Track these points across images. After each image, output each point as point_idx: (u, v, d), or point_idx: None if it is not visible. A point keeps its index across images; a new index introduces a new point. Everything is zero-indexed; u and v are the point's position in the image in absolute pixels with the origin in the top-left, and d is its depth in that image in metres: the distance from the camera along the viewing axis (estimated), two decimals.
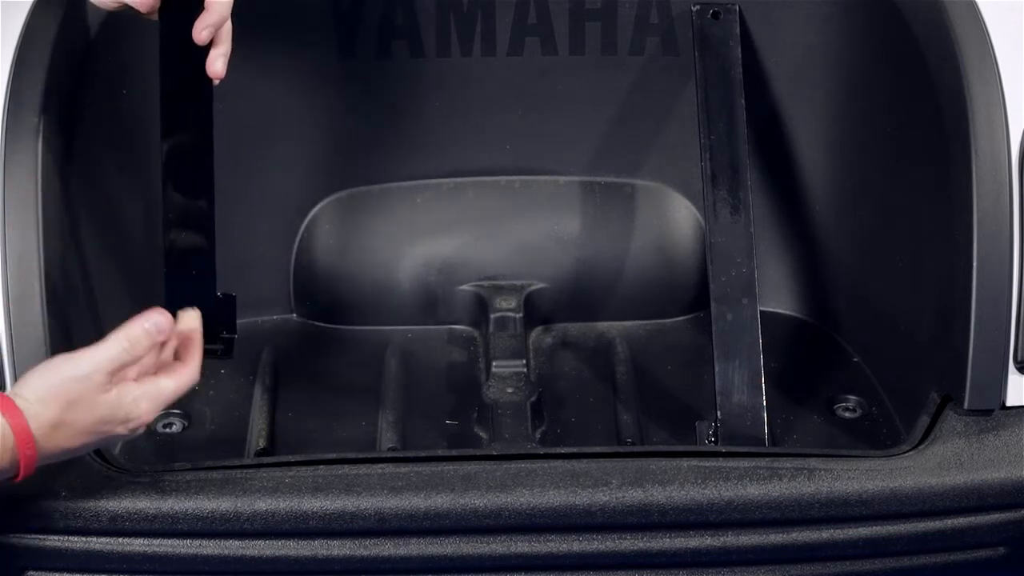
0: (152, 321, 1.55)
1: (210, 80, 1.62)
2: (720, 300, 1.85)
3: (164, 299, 1.69)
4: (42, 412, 1.49)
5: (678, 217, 2.13)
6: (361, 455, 1.69)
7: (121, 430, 1.54)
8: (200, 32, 1.59)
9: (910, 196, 1.89)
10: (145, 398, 1.55)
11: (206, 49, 1.61)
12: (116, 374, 1.53)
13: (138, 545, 1.62)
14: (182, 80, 1.63)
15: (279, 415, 1.92)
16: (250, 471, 1.64)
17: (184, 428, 1.90)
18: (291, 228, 2.11)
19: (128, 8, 1.61)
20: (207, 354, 1.66)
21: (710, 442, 1.80)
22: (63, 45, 1.75)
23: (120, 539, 1.62)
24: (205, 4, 1.59)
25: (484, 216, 2.12)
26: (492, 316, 2.04)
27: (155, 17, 1.62)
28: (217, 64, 1.61)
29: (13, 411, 1.48)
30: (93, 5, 1.66)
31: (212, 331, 1.66)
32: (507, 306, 2.05)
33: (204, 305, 1.65)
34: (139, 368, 1.55)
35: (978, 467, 1.67)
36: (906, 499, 1.65)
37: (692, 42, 1.98)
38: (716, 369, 1.82)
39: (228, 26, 1.61)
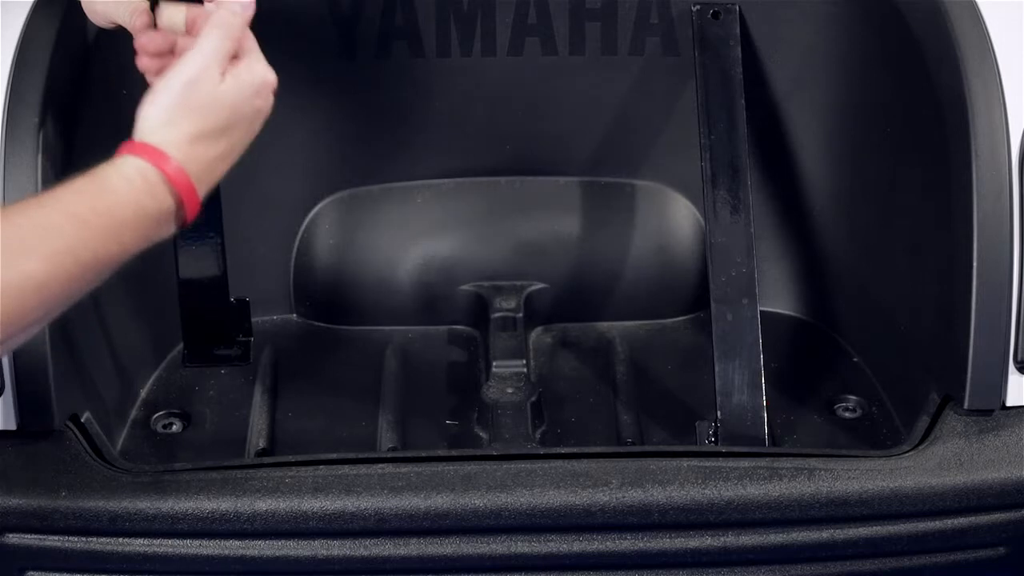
0: (236, 2, 1.49)
1: None
2: (720, 300, 1.85)
3: (179, 307, 1.69)
4: (173, 134, 1.43)
5: (678, 217, 2.13)
6: (361, 455, 1.69)
7: (259, 103, 1.49)
8: None
9: (910, 196, 1.89)
10: (257, 61, 1.50)
11: None
12: (223, 64, 1.47)
13: (138, 545, 1.62)
14: None
15: (279, 415, 1.92)
16: (250, 471, 1.64)
17: (184, 428, 1.90)
18: (291, 228, 2.11)
19: (121, 28, 1.60)
20: (224, 360, 1.66)
21: (710, 442, 1.80)
22: (63, 45, 1.74)
23: (120, 539, 1.62)
24: None
25: (484, 216, 2.12)
26: (492, 316, 2.04)
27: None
28: None
29: (147, 150, 1.41)
30: None
31: (228, 336, 1.66)
32: (507, 306, 2.05)
33: (218, 311, 1.65)
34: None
35: (978, 467, 1.67)
36: (906, 499, 1.65)
37: (692, 42, 1.98)
38: (716, 369, 1.82)
39: None
